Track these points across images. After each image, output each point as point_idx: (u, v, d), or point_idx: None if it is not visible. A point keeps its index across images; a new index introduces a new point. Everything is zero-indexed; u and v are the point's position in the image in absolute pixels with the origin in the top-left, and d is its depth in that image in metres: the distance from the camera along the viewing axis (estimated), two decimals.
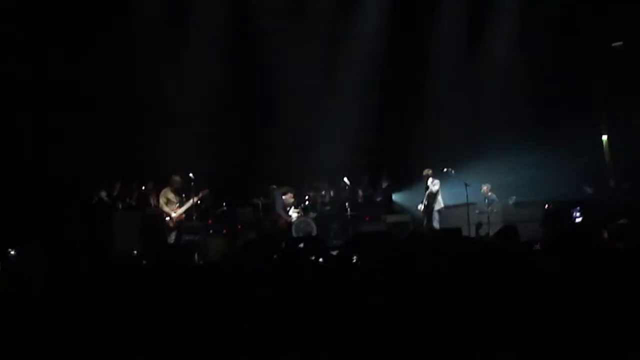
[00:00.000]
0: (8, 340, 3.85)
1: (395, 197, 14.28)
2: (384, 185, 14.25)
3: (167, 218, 11.16)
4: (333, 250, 7.40)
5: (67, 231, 10.88)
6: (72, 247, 10.46)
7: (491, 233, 11.48)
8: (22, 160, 11.69)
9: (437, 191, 12.69)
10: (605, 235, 6.91)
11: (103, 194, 11.63)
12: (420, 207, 12.85)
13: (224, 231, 12.38)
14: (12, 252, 8.21)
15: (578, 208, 11.60)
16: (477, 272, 4.10)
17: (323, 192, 13.62)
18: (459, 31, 14.58)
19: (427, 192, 12.71)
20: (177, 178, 11.34)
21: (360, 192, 13.93)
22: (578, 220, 11.51)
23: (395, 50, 14.25)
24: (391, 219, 13.18)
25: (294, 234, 11.96)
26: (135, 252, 10.03)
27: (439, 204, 12.73)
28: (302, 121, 14.14)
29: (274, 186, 12.73)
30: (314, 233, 11.96)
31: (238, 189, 13.17)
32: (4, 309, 4.22)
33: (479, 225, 11.99)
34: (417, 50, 14.54)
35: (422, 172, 12.94)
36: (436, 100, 14.54)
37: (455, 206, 12.69)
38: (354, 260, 4.98)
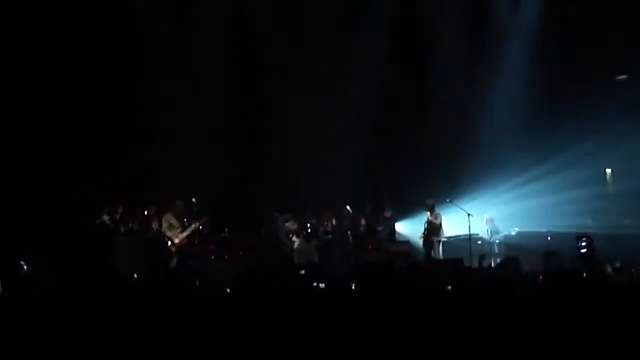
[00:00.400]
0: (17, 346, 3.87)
1: (398, 226, 14.22)
2: (387, 214, 14.20)
3: (169, 243, 11.14)
4: (334, 278, 7.35)
5: (69, 253, 10.85)
6: (75, 266, 10.43)
7: (494, 264, 11.43)
8: (24, 178, 11.73)
9: (441, 223, 12.67)
10: (609, 269, 6.88)
11: (105, 217, 11.62)
12: (420, 235, 12.83)
13: (226, 257, 12.34)
14: (25, 265, 8.24)
15: (584, 239, 11.55)
16: (478, 303, 4.07)
17: (325, 220, 13.57)
18: (462, 60, 14.68)
19: (430, 223, 12.68)
20: (179, 203, 11.34)
21: (362, 221, 13.86)
22: (582, 251, 11.44)
23: (397, 77, 14.34)
24: (392, 248, 13.12)
25: (296, 261, 11.91)
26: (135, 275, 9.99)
27: (442, 235, 12.69)
28: (305, 149, 14.19)
29: (277, 213, 12.72)
30: (316, 260, 11.92)
31: (240, 215, 13.15)
32: (17, 317, 4.25)
33: (481, 257, 11.91)
34: (419, 78, 14.61)
35: (424, 201, 12.91)
36: (439, 130, 14.57)
37: (458, 237, 12.66)
38: (352, 288, 4.97)
